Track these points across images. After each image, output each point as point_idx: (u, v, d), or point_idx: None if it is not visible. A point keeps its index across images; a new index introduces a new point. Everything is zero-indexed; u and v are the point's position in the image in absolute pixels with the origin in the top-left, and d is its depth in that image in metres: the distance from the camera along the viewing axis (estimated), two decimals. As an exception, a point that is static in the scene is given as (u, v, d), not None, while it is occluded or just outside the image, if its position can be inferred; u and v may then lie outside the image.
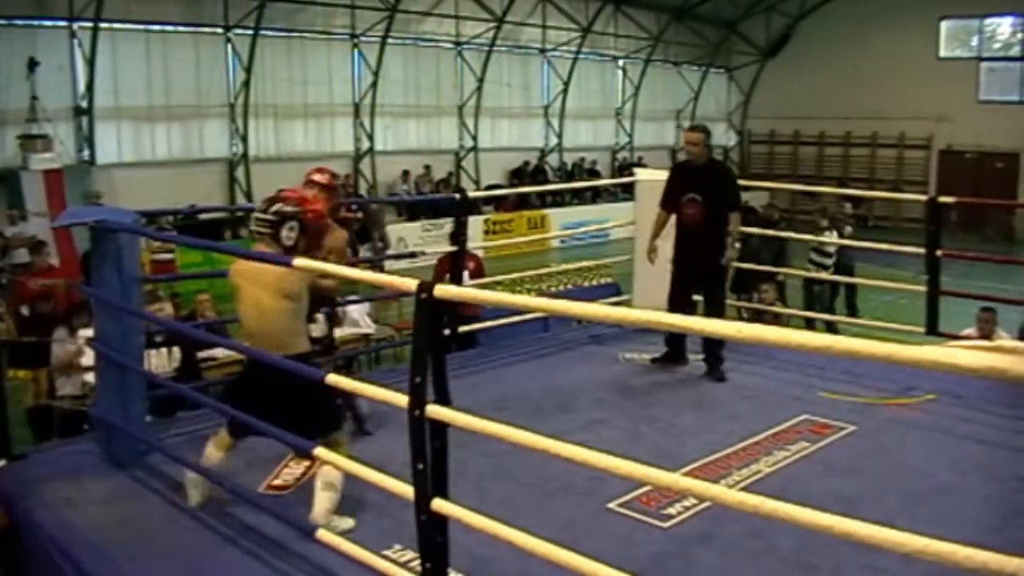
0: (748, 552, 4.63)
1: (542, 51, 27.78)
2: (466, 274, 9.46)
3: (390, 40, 23.35)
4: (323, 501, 4.70)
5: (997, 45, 29.64)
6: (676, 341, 7.88)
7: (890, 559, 3.96)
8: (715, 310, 7.71)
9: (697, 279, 7.78)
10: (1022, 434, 6.25)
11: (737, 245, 7.78)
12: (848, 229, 13.76)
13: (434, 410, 3.50)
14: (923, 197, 8.47)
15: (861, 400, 7.04)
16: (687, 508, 5.09)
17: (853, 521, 2.45)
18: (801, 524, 2.58)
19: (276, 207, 5.11)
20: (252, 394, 4.94)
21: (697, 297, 7.95)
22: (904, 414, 6.80)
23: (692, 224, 7.64)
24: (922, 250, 7.85)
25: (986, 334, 8.48)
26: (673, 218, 7.89)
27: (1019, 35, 28.89)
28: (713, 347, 7.58)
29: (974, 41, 29.77)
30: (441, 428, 3.56)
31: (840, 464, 5.85)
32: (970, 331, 8.77)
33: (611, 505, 5.16)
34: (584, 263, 12.09)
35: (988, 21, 29.32)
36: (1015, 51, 29.07)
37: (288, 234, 5.10)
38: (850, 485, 5.43)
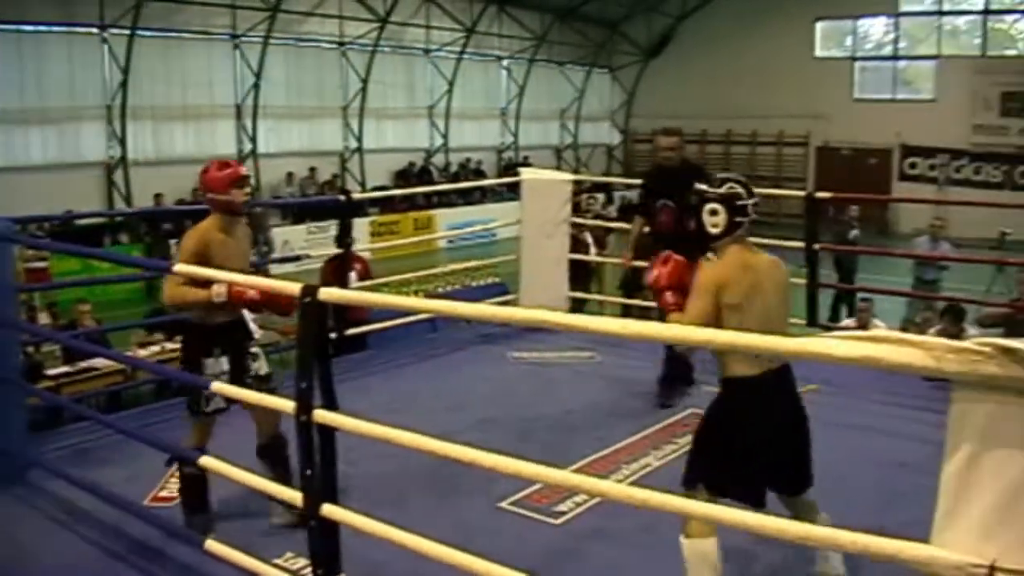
0: (640, 545, 4.70)
1: (426, 51, 27.69)
2: (354, 276, 9.39)
3: (272, 40, 23.00)
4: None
5: (870, 45, 30.63)
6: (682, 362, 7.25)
7: (776, 546, 4.07)
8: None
9: None
10: (900, 420, 6.45)
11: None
12: (854, 232, 13.85)
13: (321, 415, 3.47)
14: (801, 193, 8.67)
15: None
16: (578, 504, 5.14)
17: (739, 511, 2.50)
18: (690, 515, 2.62)
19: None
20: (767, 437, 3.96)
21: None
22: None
23: (666, 231, 7.02)
24: (801, 244, 8.04)
25: (864, 324, 8.73)
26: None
27: (891, 35, 29.87)
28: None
29: (848, 41, 30.70)
30: (329, 433, 3.54)
31: (727, 455, 5.96)
32: (849, 321, 9.03)
33: (503, 504, 5.19)
34: (471, 263, 12.09)
35: (861, 22, 30.26)
36: (887, 51, 30.09)
37: (711, 219, 4.11)
38: (736, 476, 5.54)
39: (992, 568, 2.01)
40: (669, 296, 4.12)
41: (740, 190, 4.09)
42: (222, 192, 4.95)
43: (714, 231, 4.09)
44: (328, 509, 3.54)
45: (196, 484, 4.87)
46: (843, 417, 6.62)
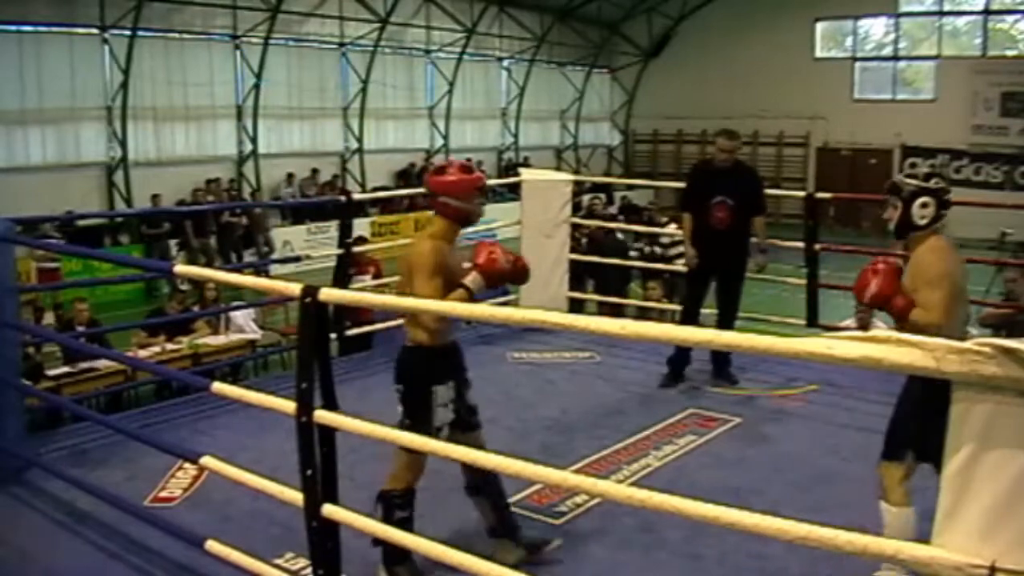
0: (639, 545, 4.70)
1: (426, 52, 27.68)
2: (368, 278, 9.42)
3: (272, 41, 22.99)
4: None
5: (870, 45, 30.68)
6: (683, 362, 7.56)
7: (775, 546, 4.06)
8: (732, 313, 7.55)
9: (715, 281, 7.52)
10: (899, 421, 6.44)
11: (767, 249, 7.58)
12: None
13: (321, 415, 3.47)
14: (801, 193, 8.67)
15: (746, 392, 7.20)
16: (578, 505, 5.14)
17: (738, 511, 2.49)
18: (688, 515, 2.62)
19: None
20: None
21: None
22: (787, 404, 6.97)
23: (721, 227, 7.26)
24: (801, 244, 8.05)
25: (864, 325, 8.71)
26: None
27: (891, 35, 29.91)
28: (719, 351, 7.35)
29: (848, 42, 30.77)
30: (329, 433, 3.54)
31: (727, 455, 5.97)
32: (849, 322, 9.00)
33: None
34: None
35: (861, 22, 30.33)
36: (887, 51, 30.15)
37: (921, 211, 4.27)
38: (737, 475, 5.55)
39: (992, 569, 2.01)
40: (899, 300, 4.22)
41: (944, 184, 4.35)
42: (464, 199, 4.35)
43: (922, 222, 4.28)
44: (329, 509, 3.54)
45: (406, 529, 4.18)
46: (843, 417, 6.62)
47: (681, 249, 8.15)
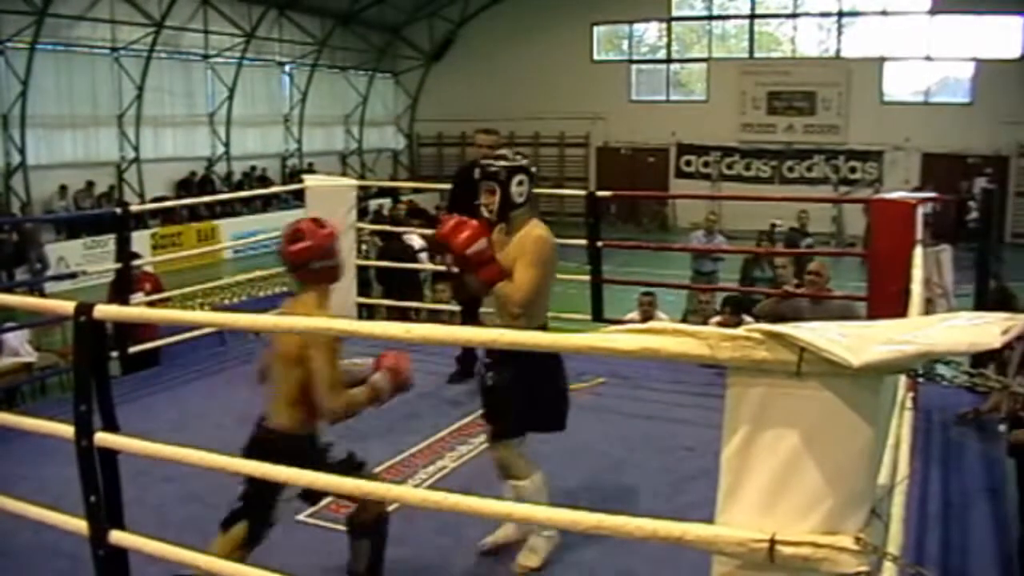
0: (438, 548, 4.72)
1: (205, 57, 26.92)
2: (142, 295, 9.07)
3: (40, 46, 21.76)
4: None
5: (645, 49, 31.87)
6: (470, 358, 7.50)
7: (573, 537, 4.16)
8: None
9: None
10: (683, 407, 6.70)
11: None
12: (808, 240, 14.43)
13: (103, 438, 3.33)
14: (583, 192, 8.90)
15: (536, 389, 7.31)
16: (376, 511, 5.11)
17: (531, 506, 2.53)
18: (484, 514, 2.65)
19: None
20: None
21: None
22: (577, 398, 7.09)
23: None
24: (584, 241, 8.25)
25: (648, 316, 8.99)
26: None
27: (664, 39, 31.10)
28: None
29: (624, 45, 31.85)
30: (111, 457, 3.40)
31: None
32: (634, 315, 9.28)
33: (300, 517, 5.10)
34: (258, 273, 11.85)
35: (636, 26, 31.51)
36: (661, 54, 31.34)
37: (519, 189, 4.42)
38: (531, 471, 5.64)
39: (772, 541, 2.11)
40: (495, 267, 4.41)
41: (527, 162, 4.52)
42: (330, 256, 3.92)
43: (520, 199, 4.41)
44: (116, 536, 3.40)
45: None
46: (631, 408, 6.84)
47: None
